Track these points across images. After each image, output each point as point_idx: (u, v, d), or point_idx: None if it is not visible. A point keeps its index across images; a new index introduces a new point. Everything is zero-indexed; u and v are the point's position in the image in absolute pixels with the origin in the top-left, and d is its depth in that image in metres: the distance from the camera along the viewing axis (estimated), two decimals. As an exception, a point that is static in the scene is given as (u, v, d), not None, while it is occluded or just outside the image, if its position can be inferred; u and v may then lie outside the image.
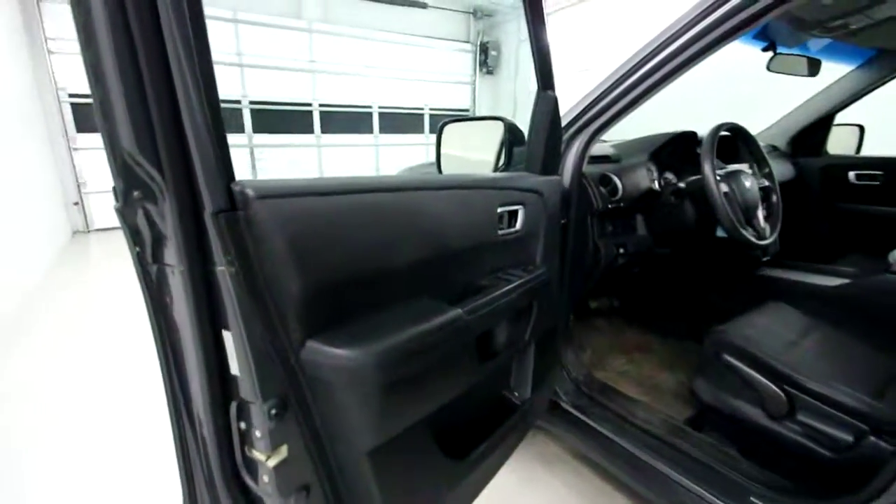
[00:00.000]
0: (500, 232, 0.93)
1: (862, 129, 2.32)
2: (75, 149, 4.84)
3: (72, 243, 4.60)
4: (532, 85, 1.04)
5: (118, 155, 0.48)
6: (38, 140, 4.26)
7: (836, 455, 1.05)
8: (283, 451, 0.60)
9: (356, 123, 6.75)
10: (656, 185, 1.50)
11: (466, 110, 7.74)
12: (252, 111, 5.87)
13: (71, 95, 4.70)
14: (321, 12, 6.07)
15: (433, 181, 0.83)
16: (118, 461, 1.52)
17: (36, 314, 2.78)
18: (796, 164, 2.15)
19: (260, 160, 6.15)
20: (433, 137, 1.33)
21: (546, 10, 0.95)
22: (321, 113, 6.39)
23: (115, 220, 0.57)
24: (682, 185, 1.47)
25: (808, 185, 2.16)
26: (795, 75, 1.83)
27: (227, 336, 0.55)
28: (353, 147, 6.83)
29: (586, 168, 1.24)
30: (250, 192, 0.52)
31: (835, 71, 1.97)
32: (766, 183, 1.53)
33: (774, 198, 1.54)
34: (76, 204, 4.95)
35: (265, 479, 0.60)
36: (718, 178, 1.33)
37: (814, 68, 1.84)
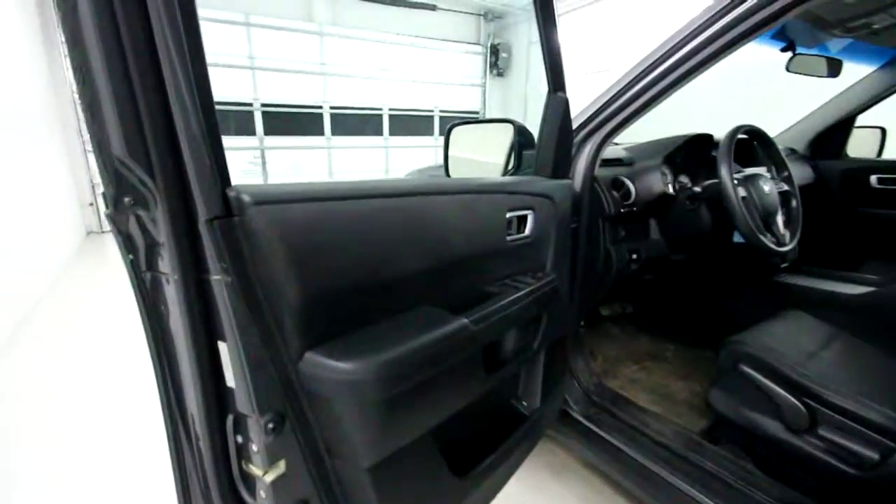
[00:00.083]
0: (508, 238, 0.91)
1: (884, 131, 2.26)
2: (90, 150, 4.90)
3: (86, 243, 4.67)
4: (543, 87, 1.01)
5: (107, 159, 0.46)
6: (55, 141, 4.33)
7: (860, 473, 1.00)
8: (281, 466, 0.58)
9: (366, 125, 6.79)
10: (671, 189, 1.46)
11: (476, 112, 7.74)
12: (263, 114, 5.93)
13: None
14: (332, 15, 6.13)
15: (439, 185, 0.80)
16: (119, 465, 1.51)
17: (50, 313, 2.82)
18: (816, 168, 2.09)
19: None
20: (443, 140, 1.31)
21: (558, 12, 0.93)
22: (332, 115, 6.43)
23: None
24: (697, 189, 1.43)
25: (828, 189, 2.10)
26: (815, 76, 1.78)
27: (223, 347, 0.53)
28: (363, 149, 6.87)
29: (598, 171, 1.21)
30: (246, 197, 0.50)
31: (856, 72, 1.91)
32: (786, 187, 1.48)
33: (794, 203, 1.49)
34: (91, 205, 5.03)
35: (262, 494, 0.58)
36: (736, 181, 1.28)
37: (834, 69, 1.79)
